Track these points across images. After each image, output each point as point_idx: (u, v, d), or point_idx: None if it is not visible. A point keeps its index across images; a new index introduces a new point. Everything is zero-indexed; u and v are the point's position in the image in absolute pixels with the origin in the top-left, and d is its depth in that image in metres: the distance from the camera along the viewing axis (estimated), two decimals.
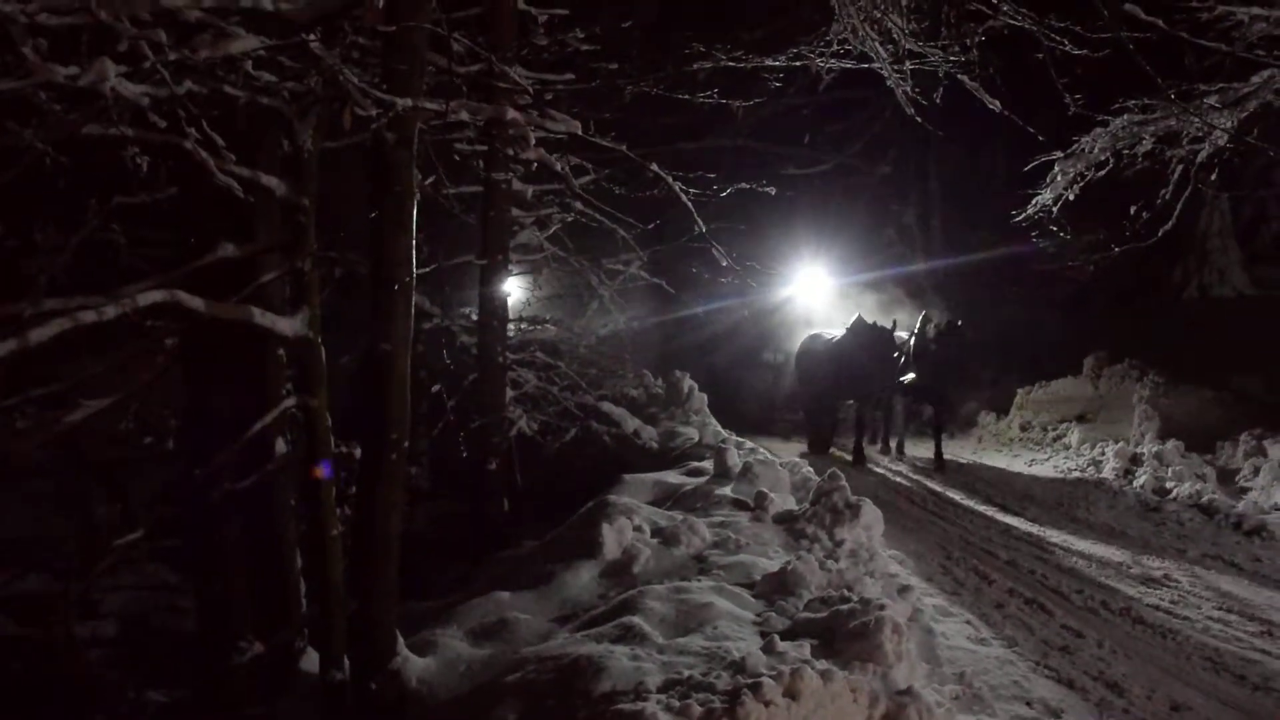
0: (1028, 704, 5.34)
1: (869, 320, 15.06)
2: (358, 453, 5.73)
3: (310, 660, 6.26)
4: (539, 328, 12.18)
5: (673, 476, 9.68)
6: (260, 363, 6.57)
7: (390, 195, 5.38)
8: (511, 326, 10.95)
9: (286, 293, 6.07)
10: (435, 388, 11.30)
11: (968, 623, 7.05)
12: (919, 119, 7.58)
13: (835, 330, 16.15)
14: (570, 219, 11.17)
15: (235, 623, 6.57)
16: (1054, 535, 9.93)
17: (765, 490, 8.53)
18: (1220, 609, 7.37)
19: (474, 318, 11.03)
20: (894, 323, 14.96)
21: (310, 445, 5.58)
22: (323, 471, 5.56)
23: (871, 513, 7.90)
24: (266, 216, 6.20)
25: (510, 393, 10.45)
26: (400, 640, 5.59)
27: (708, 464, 10.00)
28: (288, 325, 5.37)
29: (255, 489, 5.89)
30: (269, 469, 5.98)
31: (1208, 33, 8.30)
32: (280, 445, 6.48)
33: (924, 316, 14.73)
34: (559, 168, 7.54)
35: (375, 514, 5.53)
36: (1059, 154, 10.08)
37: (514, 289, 11.37)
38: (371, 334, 5.47)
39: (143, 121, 4.58)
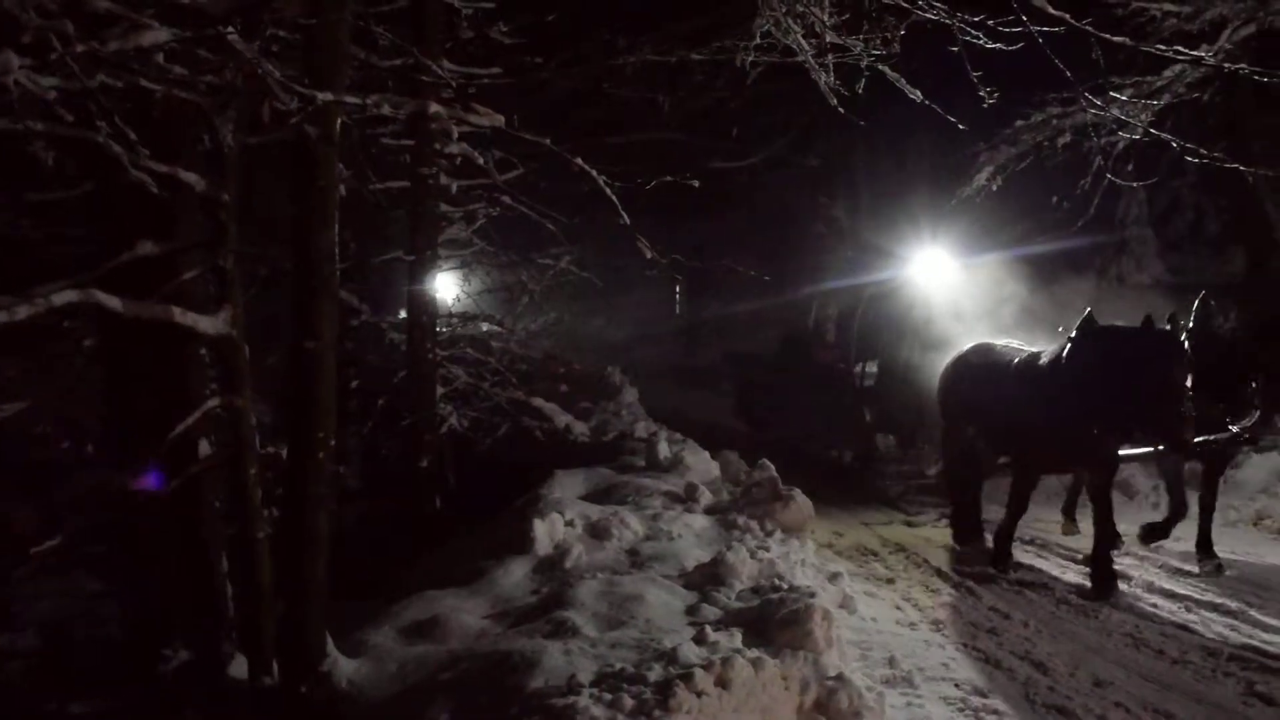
0: (955, 685, 5.43)
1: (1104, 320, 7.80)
2: (284, 452, 5.65)
3: (239, 666, 6.16)
4: (469, 324, 12.12)
5: (604, 470, 9.69)
6: (183, 363, 6.45)
7: (313, 190, 5.31)
8: (442, 323, 10.87)
9: (210, 291, 5.96)
10: (355, 384, 11.19)
11: (896, 607, 7.16)
12: (842, 110, 7.68)
13: (1005, 340, 9.23)
14: (496, 213, 11.12)
15: (161, 630, 6.44)
16: None
17: (696, 482, 8.59)
18: (1141, 588, 7.56)
19: (403, 314, 10.95)
20: (1172, 315, 7.39)
21: (236, 446, 5.49)
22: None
23: (802, 501, 8.00)
24: (187, 213, 6.07)
25: (440, 389, 10.39)
26: (330, 642, 5.52)
27: (639, 458, 10.04)
28: (210, 324, 5.28)
29: (180, 491, 5.79)
30: (193, 471, 5.87)
31: (1122, 27, 8.51)
32: (204, 446, 6.37)
33: (1201, 304, 8.27)
34: (482, 161, 7.51)
35: (303, 515, 5.45)
36: (982, 145, 10.28)
37: (444, 285, 11.27)
38: (295, 331, 5.39)
39: (53, 115, 4.47)
